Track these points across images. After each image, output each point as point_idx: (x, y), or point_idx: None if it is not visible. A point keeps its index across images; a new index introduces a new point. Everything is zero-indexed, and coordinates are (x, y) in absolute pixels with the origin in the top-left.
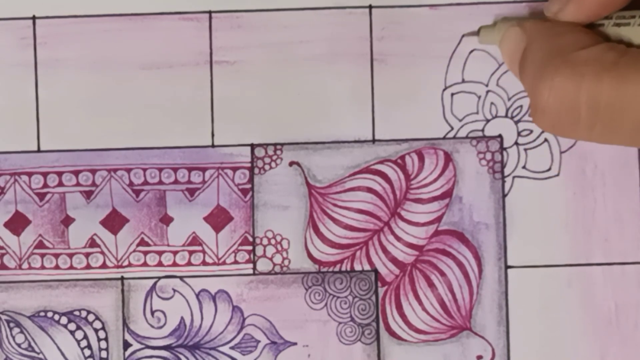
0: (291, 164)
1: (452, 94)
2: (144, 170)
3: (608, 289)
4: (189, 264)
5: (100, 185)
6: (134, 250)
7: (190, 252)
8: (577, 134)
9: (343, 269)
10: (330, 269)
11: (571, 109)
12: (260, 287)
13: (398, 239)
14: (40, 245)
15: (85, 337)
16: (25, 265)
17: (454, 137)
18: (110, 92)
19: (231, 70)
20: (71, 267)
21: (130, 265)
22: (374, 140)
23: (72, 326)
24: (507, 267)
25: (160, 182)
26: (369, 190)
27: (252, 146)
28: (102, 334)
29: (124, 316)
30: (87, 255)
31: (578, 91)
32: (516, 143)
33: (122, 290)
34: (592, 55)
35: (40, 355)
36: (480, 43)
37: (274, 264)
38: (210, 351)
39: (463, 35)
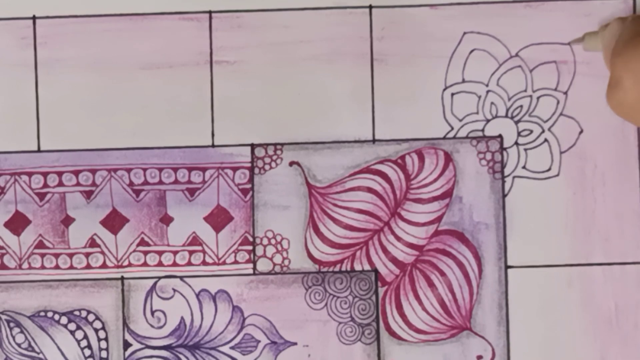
0: (291, 164)
1: (452, 94)
2: (144, 170)
3: (608, 289)
4: (189, 264)
5: (100, 185)
6: (134, 250)
7: (190, 252)
8: None
9: (343, 269)
10: (331, 269)
11: None
12: (260, 287)
13: (398, 239)
14: (41, 245)
15: (86, 337)
16: (25, 265)
17: (454, 137)
18: (110, 92)
19: (231, 70)
20: (71, 267)
21: (130, 265)
22: (374, 140)
23: (72, 326)
24: (507, 267)
25: (160, 182)
26: (369, 190)
27: (252, 146)
28: (102, 334)
29: (124, 316)
30: (87, 255)
31: None
32: (516, 143)
33: (122, 290)
34: None
35: (40, 355)
36: (584, 50)
37: (274, 264)
38: (210, 351)
39: (569, 43)
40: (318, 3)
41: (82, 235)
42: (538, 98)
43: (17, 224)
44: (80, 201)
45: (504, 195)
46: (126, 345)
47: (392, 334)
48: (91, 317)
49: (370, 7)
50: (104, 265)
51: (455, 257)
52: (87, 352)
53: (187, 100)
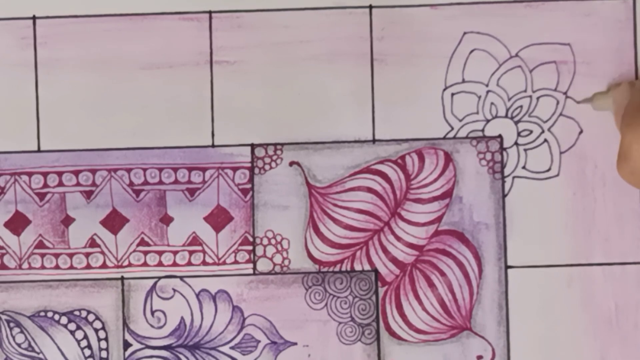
0: (291, 164)
1: (452, 94)
2: (144, 170)
3: (608, 289)
4: (189, 264)
5: (100, 185)
6: (134, 250)
7: (191, 252)
8: None
9: (343, 269)
10: (331, 269)
11: None
12: (260, 287)
13: (398, 239)
14: (41, 245)
15: (86, 337)
16: (25, 265)
17: (454, 137)
18: (110, 92)
19: (231, 70)
20: (71, 267)
21: (130, 265)
22: (374, 140)
23: (72, 326)
24: (507, 267)
25: (160, 182)
26: (369, 190)
27: (252, 146)
28: (102, 334)
29: (124, 316)
30: (87, 255)
31: None
32: (516, 143)
33: (122, 290)
34: None
35: (40, 355)
36: (594, 109)
37: (274, 264)
38: (210, 351)
39: (578, 102)
40: (318, 3)
41: (82, 235)
42: (538, 98)
43: (17, 224)
44: (80, 201)
45: (504, 196)
46: (126, 345)
47: (392, 334)
48: (91, 317)
49: (370, 7)
50: (104, 265)
51: (455, 257)
52: (87, 352)
53: (187, 100)
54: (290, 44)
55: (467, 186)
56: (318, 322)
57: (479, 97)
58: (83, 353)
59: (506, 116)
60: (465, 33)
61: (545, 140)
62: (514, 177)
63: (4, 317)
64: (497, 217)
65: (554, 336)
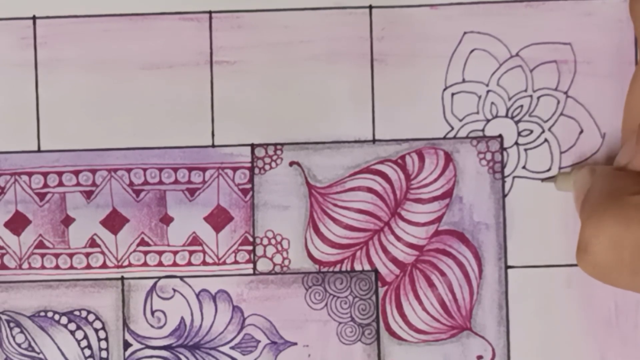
0: (291, 164)
1: (453, 94)
2: (144, 170)
3: (608, 289)
4: (189, 264)
5: (100, 185)
6: (134, 250)
7: (191, 252)
8: (619, 280)
9: (343, 269)
10: (331, 269)
11: (615, 251)
12: (260, 287)
13: (398, 239)
14: (41, 245)
15: (86, 337)
16: (25, 265)
17: (454, 137)
18: (110, 92)
19: (231, 70)
20: (71, 267)
21: (130, 265)
22: (374, 140)
23: (72, 326)
24: (507, 267)
25: (161, 182)
26: (369, 190)
27: (252, 146)
28: (102, 334)
29: (124, 316)
30: (87, 255)
31: (623, 234)
32: (516, 143)
33: (122, 290)
34: None
35: (40, 355)
36: (557, 189)
37: (274, 264)
38: (210, 351)
39: (542, 180)
40: (318, 3)
41: (82, 235)
42: (538, 98)
43: (17, 224)
44: (80, 201)
45: (504, 196)
46: (126, 345)
47: (392, 334)
48: (91, 317)
49: (370, 7)
50: (104, 265)
51: (455, 257)
52: (87, 352)
53: (187, 100)
54: (290, 44)
55: (467, 186)
56: (318, 322)
57: (479, 97)
58: (83, 353)
59: (506, 116)
60: (465, 33)
61: (546, 140)
62: (514, 177)
63: (4, 317)
64: (497, 217)
65: (554, 336)
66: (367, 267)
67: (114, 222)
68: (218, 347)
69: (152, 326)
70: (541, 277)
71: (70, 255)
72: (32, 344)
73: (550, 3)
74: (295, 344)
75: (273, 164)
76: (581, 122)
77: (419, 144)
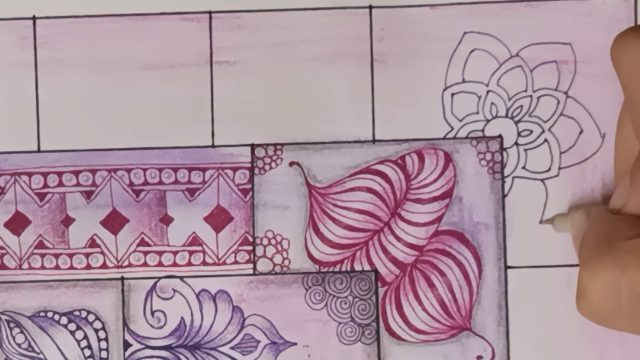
0: (291, 164)
1: (452, 94)
2: (144, 170)
3: None
4: (189, 264)
5: (100, 185)
6: (134, 251)
7: (191, 252)
8: (619, 324)
9: (343, 269)
10: (331, 269)
11: (612, 297)
12: (260, 287)
13: (398, 239)
14: (41, 245)
15: (86, 337)
16: (25, 265)
17: (454, 137)
18: (110, 92)
19: (231, 70)
20: (71, 267)
21: (130, 265)
22: (374, 140)
23: (72, 326)
24: (506, 267)
25: (161, 182)
26: (369, 190)
27: (252, 146)
28: (102, 334)
29: (124, 316)
30: (87, 255)
31: (620, 280)
32: (516, 143)
33: (122, 291)
34: (638, 245)
35: (40, 355)
36: (555, 231)
37: (274, 264)
38: (210, 351)
39: (540, 222)
40: (318, 3)
41: (82, 235)
42: (538, 98)
43: (17, 224)
44: (80, 201)
45: (504, 196)
46: (126, 345)
47: (392, 334)
48: (91, 317)
49: (370, 7)
50: (104, 266)
51: (455, 258)
52: (87, 352)
53: (187, 100)
54: (290, 44)
55: (467, 186)
56: (318, 322)
57: (479, 97)
58: (83, 353)
59: (506, 116)
60: (465, 33)
61: (546, 140)
62: (513, 178)
63: (4, 317)
64: (497, 217)
65: (554, 336)
66: (367, 267)
67: (114, 222)
68: (218, 347)
69: (152, 326)
70: (541, 277)
71: (70, 256)
72: (32, 344)
73: (550, 3)
74: (295, 344)
75: (273, 164)
76: (581, 122)
77: (419, 144)
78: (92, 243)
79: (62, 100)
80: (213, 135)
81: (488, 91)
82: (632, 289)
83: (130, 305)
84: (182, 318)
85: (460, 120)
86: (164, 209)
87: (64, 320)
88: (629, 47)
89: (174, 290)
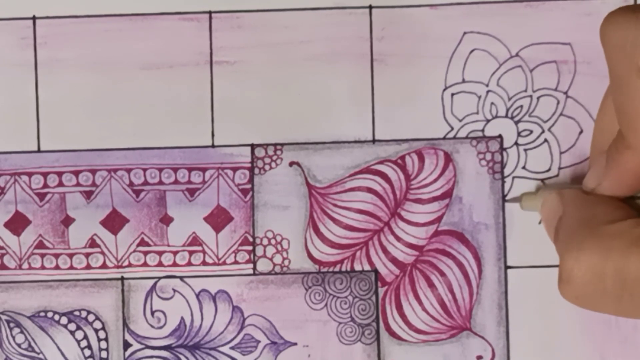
0: (291, 164)
1: (452, 94)
2: (144, 170)
3: None
4: (189, 264)
5: (100, 185)
6: (134, 251)
7: (191, 252)
8: (603, 307)
9: (343, 269)
10: (330, 269)
11: (597, 281)
12: (260, 287)
13: (398, 239)
14: (40, 245)
15: (85, 337)
16: (25, 265)
17: (454, 137)
18: (110, 92)
19: (231, 70)
20: (71, 267)
21: (130, 265)
22: (374, 141)
23: (72, 326)
24: (506, 267)
25: (160, 182)
26: (369, 190)
27: (252, 146)
28: (102, 334)
29: (124, 316)
30: (87, 255)
31: (604, 264)
32: (516, 143)
33: (122, 291)
34: (621, 229)
35: (40, 355)
36: (522, 209)
37: (274, 264)
38: (210, 351)
39: (506, 201)
40: (318, 3)
41: (82, 235)
42: (538, 98)
43: (17, 224)
44: (80, 201)
45: (504, 196)
46: (126, 345)
47: (392, 334)
48: (91, 318)
49: (370, 7)
50: (104, 266)
51: (455, 258)
52: (87, 352)
53: (187, 100)
54: (290, 44)
55: (467, 186)
56: (318, 322)
57: (479, 97)
58: (83, 353)
59: (506, 116)
60: (465, 33)
61: (546, 140)
62: (513, 178)
63: (4, 317)
64: (497, 217)
65: (554, 336)
66: (367, 267)
67: (114, 222)
68: (218, 347)
69: (152, 326)
70: (541, 277)
71: (70, 256)
72: (32, 344)
73: (550, 3)
74: (295, 344)
75: (273, 164)
76: (581, 122)
77: (419, 144)
78: (92, 243)
79: (62, 100)
80: (213, 135)
81: (488, 91)
82: (617, 273)
83: (130, 305)
84: (182, 318)
85: (460, 120)
86: (164, 209)
87: (64, 320)
88: (618, 27)
89: (174, 290)
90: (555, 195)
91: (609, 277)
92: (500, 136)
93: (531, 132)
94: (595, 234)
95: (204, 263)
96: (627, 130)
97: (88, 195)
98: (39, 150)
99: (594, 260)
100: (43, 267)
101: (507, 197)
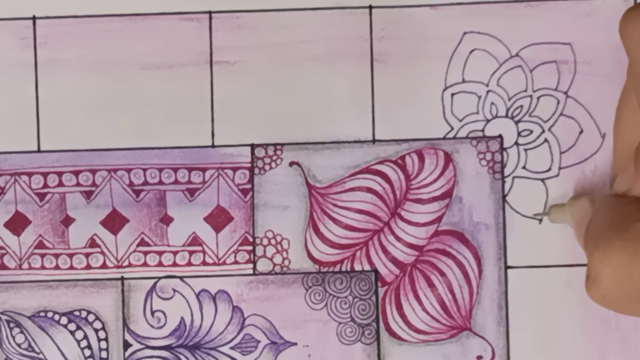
0: (291, 164)
1: (452, 94)
2: (144, 170)
3: None
4: (189, 264)
5: (100, 185)
6: (134, 251)
7: (191, 252)
8: (630, 308)
9: (343, 269)
10: (330, 269)
11: (625, 281)
12: (260, 287)
13: (398, 239)
14: (40, 245)
15: (85, 337)
16: (25, 266)
17: (454, 137)
18: (110, 92)
19: (231, 70)
20: (71, 267)
21: (130, 265)
22: (374, 141)
23: (72, 326)
24: (506, 267)
25: (160, 182)
26: (369, 190)
27: (252, 146)
28: (102, 334)
29: (124, 316)
30: (87, 255)
31: (633, 263)
32: (516, 143)
33: (122, 291)
34: None
35: (40, 355)
36: (551, 222)
37: (274, 264)
38: (210, 351)
39: (534, 215)
40: (318, 3)
41: (82, 235)
42: (538, 98)
43: (17, 224)
44: (80, 201)
45: (504, 196)
46: (126, 345)
47: (392, 334)
48: (91, 318)
49: (370, 7)
50: (104, 266)
51: (455, 258)
52: (87, 352)
53: (187, 100)
54: (290, 44)
55: (467, 186)
56: (318, 322)
57: (479, 97)
58: (83, 353)
59: (506, 116)
60: (465, 33)
61: (546, 140)
62: (514, 177)
63: (4, 317)
64: (497, 217)
65: (554, 336)
66: (367, 267)
67: (114, 222)
68: (218, 347)
69: (152, 326)
70: (541, 277)
71: (70, 256)
72: (32, 344)
73: (550, 3)
74: (295, 344)
75: (273, 164)
76: (581, 122)
77: (419, 144)
78: (92, 243)
79: (62, 100)
80: (213, 135)
81: (488, 91)
82: None
83: (130, 305)
84: (182, 318)
85: (460, 120)
86: (164, 209)
87: (64, 320)
88: (638, 22)
89: (174, 290)
90: (586, 200)
91: (637, 276)
92: (500, 136)
93: (531, 132)
94: (624, 232)
95: (204, 263)
96: None
97: (88, 195)
98: (39, 150)
99: (623, 259)
100: (43, 267)
101: (534, 214)
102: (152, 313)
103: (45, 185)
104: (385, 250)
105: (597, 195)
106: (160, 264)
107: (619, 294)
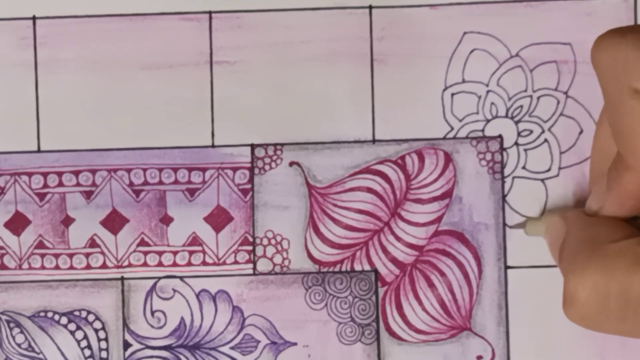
0: (291, 164)
1: (452, 94)
2: (144, 170)
3: None
4: (189, 264)
5: (100, 185)
6: (134, 251)
7: (191, 252)
8: (608, 327)
9: (343, 269)
10: (330, 269)
11: (601, 301)
12: (260, 287)
13: (398, 239)
14: (40, 245)
15: (85, 337)
16: (25, 266)
17: (454, 137)
18: (110, 92)
19: (231, 70)
20: (71, 267)
21: (130, 265)
22: (374, 141)
23: (72, 326)
24: (506, 267)
25: (160, 182)
26: (369, 190)
27: (252, 146)
28: (102, 334)
29: (124, 316)
30: (87, 255)
31: (608, 284)
32: (516, 143)
33: (122, 291)
34: (624, 247)
35: (40, 356)
36: (526, 234)
37: (274, 264)
38: (210, 351)
39: (510, 227)
40: (318, 3)
41: (82, 235)
42: (538, 98)
43: (17, 224)
44: (80, 201)
45: (504, 196)
46: (126, 345)
47: (392, 334)
48: (91, 318)
49: (370, 7)
50: (104, 266)
51: (455, 258)
52: (87, 352)
53: (187, 100)
54: (290, 44)
55: (467, 186)
56: (318, 322)
57: (479, 97)
58: (83, 353)
59: (506, 116)
60: (465, 33)
61: (546, 140)
62: (513, 178)
63: (4, 317)
64: (497, 217)
65: (554, 336)
66: (367, 267)
67: (114, 222)
68: (218, 347)
69: (152, 326)
70: (541, 277)
71: (70, 256)
72: (32, 344)
73: (550, 3)
74: (295, 344)
75: (273, 164)
76: (581, 122)
77: (419, 144)
78: (92, 243)
79: (62, 100)
80: (213, 135)
81: (488, 91)
82: (621, 292)
83: (130, 305)
84: (182, 318)
85: (460, 120)
86: (164, 209)
87: (64, 320)
88: (608, 49)
89: (174, 290)
90: (558, 218)
91: (612, 296)
92: (500, 136)
93: (531, 132)
94: (598, 253)
95: (204, 263)
96: (624, 151)
97: (88, 195)
98: (39, 150)
99: (598, 280)
100: (43, 267)
101: (511, 224)
102: (152, 313)
103: (45, 185)
104: (385, 250)
105: (570, 213)
106: (160, 264)
107: (596, 315)
